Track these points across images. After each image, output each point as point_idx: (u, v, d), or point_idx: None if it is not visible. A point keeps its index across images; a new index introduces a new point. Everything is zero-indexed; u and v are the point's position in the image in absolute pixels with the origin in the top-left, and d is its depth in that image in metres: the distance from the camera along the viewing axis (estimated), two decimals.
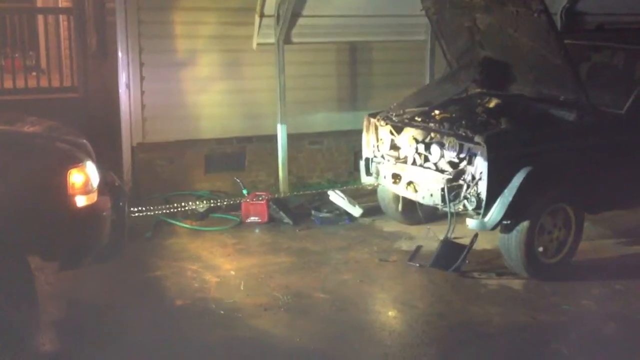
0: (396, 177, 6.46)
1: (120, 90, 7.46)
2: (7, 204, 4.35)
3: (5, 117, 5.37)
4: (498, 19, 6.20)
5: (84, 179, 4.56)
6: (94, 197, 4.65)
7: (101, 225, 4.76)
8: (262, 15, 7.35)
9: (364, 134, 6.82)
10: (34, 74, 10.89)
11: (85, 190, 4.57)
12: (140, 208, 6.71)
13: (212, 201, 7.20)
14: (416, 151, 6.29)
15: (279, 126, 7.60)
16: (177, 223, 6.99)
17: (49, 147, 4.73)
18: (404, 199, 6.72)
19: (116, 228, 4.93)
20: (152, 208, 6.78)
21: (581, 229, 5.99)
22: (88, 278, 5.53)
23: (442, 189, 5.88)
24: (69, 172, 4.51)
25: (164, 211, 6.86)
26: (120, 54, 7.39)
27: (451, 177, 5.88)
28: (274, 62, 7.54)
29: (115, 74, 7.55)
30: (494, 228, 5.69)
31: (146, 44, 7.43)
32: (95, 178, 4.68)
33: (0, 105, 8.92)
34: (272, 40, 7.48)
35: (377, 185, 6.84)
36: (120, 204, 5.06)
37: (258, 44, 7.59)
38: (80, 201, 4.55)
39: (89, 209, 4.60)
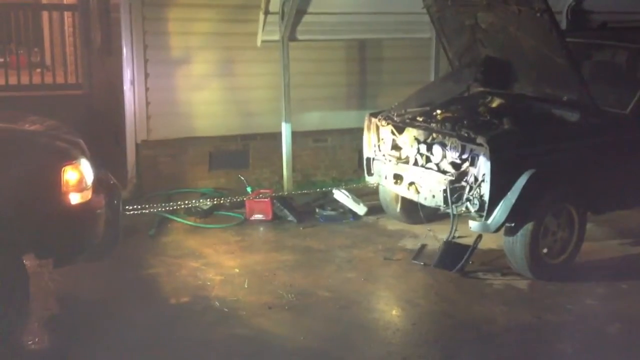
0: (398, 178, 6.41)
1: (124, 87, 7.45)
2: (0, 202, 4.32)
3: (6, 115, 5.35)
4: (500, 18, 6.16)
5: (78, 177, 4.54)
6: (88, 194, 4.63)
7: (95, 223, 4.75)
8: (267, 13, 7.36)
9: (365, 134, 6.77)
10: (38, 70, 10.91)
11: (80, 188, 4.55)
12: (143, 205, 6.71)
13: (216, 198, 7.20)
14: (418, 152, 6.23)
15: (283, 125, 7.59)
16: (181, 220, 6.98)
17: (42, 144, 4.70)
18: (404, 199, 6.67)
19: (110, 226, 4.92)
20: (155, 205, 6.77)
21: (584, 229, 5.93)
22: (92, 275, 5.53)
23: (444, 191, 5.83)
24: (63, 169, 4.48)
25: (168, 208, 6.86)
26: (124, 51, 7.37)
27: (453, 178, 5.82)
28: (278, 59, 7.53)
29: (119, 71, 7.54)
30: (497, 230, 5.63)
31: (151, 40, 7.42)
32: (89, 176, 4.65)
33: (5, 101, 8.94)
34: (276, 37, 7.47)
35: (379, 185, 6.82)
36: (115, 202, 5.05)
37: (263, 41, 7.59)
38: (74, 199, 4.53)
39: (83, 206, 4.58)
